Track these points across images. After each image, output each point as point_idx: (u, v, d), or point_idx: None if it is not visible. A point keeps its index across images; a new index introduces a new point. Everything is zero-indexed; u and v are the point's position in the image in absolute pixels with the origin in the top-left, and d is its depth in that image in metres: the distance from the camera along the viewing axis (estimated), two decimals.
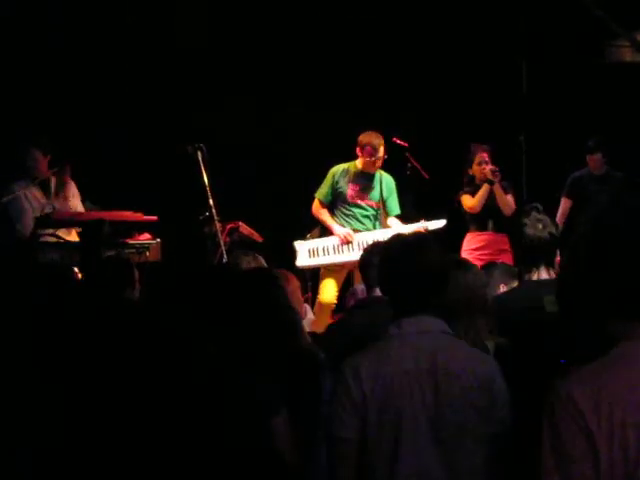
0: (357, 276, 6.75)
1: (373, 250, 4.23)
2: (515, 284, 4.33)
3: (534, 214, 3.92)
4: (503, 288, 4.36)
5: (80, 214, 6.59)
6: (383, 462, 2.59)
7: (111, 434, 2.76)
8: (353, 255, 6.89)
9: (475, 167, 7.58)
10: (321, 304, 7.23)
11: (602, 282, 1.82)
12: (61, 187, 6.69)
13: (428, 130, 8.63)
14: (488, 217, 7.55)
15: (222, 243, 6.74)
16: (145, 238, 6.57)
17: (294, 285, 4.00)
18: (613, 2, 7.76)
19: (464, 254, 7.50)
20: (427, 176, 7.76)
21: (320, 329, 5.58)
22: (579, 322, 1.91)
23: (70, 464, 2.83)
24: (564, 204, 8.04)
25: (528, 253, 3.92)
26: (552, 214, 5.34)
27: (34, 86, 7.95)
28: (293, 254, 7.18)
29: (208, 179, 6.78)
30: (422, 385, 2.60)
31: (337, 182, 7.20)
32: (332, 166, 7.33)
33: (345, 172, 7.21)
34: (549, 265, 3.85)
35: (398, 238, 2.94)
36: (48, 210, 6.47)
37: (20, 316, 3.15)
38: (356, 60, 8.69)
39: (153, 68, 8.44)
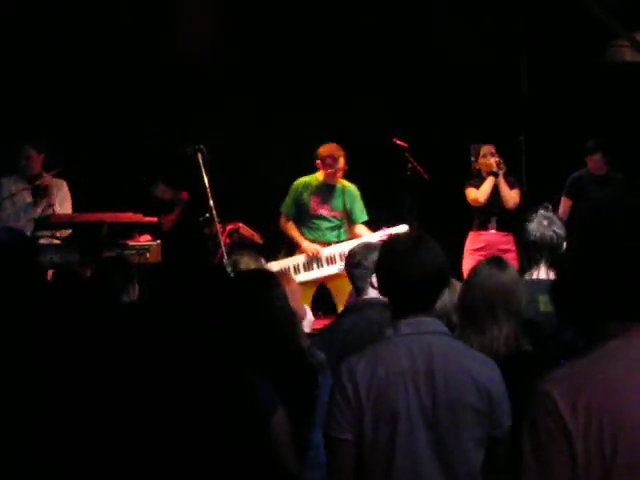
0: (331, 287, 7.08)
1: (357, 251, 4.23)
2: None
3: (542, 212, 3.88)
4: None
5: (79, 216, 6.58)
6: (379, 463, 2.58)
7: (111, 434, 2.76)
8: (323, 270, 7.09)
9: (481, 160, 7.60)
10: None
11: (593, 274, 1.82)
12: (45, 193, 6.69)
13: (428, 130, 8.63)
14: (491, 214, 7.56)
15: (222, 244, 6.74)
16: (145, 239, 6.58)
17: (294, 286, 4.00)
18: (613, 2, 7.76)
19: (466, 254, 7.52)
20: (427, 176, 7.77)
21: None
22: (574, 321, 1.91)
23: (70, 464, 2.84)
24: (564, 204, 8.03)
25: (529, 250, 3.87)
26: None
27: (34, 86, 7.95)
28: None
29: (208, 180, 6.77)
30: (418, 386, 2.59)
31: (300, 195, 7.22)
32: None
33: (307, 185, 7.22)
34: (551, 265, 3.79)
35: (397, 239, 2.93)
36: (48, 212, 6.47)
37: (20, 316, 3.15)
38: (356, 60, 8.69)
39: (153, 68, 8.44)
